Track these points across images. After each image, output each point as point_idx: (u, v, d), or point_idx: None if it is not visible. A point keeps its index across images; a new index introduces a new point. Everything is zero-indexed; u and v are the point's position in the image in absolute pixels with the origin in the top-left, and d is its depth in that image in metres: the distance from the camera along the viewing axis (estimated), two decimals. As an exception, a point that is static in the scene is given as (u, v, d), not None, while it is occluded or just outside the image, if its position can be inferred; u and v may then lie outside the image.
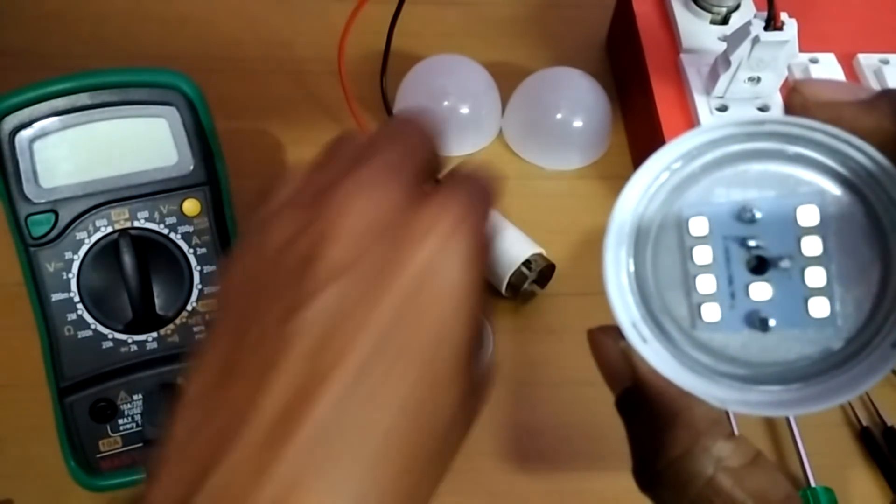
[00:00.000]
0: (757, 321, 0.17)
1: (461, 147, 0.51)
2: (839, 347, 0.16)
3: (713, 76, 0.44)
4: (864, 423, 0.40)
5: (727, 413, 0.17)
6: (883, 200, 0.16)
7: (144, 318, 0.35)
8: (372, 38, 0.50)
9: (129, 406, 0.35)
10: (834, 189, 0.16)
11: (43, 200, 0.34)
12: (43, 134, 0.34)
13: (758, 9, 0.49)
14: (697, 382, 0.17)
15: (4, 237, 0.35)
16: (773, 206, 0.16)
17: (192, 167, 0.36)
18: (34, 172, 0.34)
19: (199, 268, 0.36)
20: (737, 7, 0.49)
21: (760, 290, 0.17)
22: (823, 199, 0.16)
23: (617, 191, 0.17)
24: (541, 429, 0.40)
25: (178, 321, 0.36)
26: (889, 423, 0.40)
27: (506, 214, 0.45)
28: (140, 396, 0.35)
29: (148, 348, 0.36)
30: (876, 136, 0.15)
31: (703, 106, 0.44)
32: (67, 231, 0.35)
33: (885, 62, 0.46)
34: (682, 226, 0.17)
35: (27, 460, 0.39)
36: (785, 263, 0.16)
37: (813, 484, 0.38)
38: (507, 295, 0.44)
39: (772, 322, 0.17)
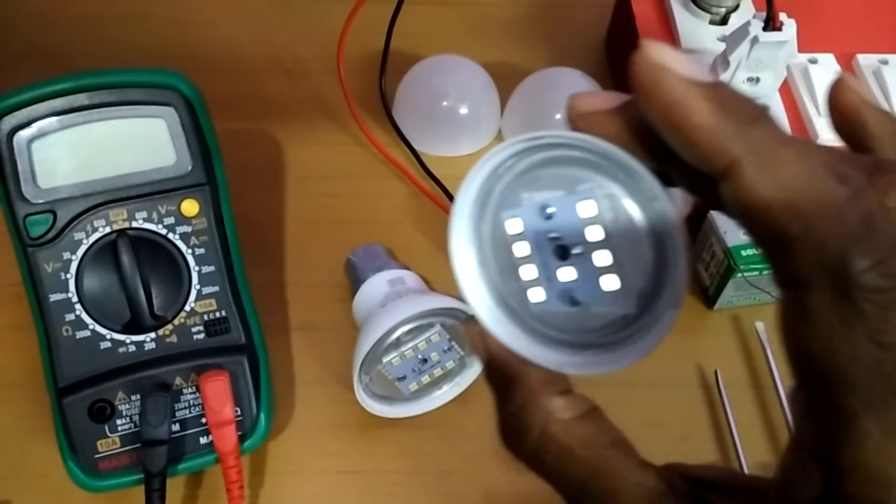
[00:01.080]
0: (568, 298, 0.20)
1: (460, 147, 0.51)
2: (635, 313, 0.20)
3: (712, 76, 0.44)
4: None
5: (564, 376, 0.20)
6: (643, 188, 0.19)
7: (142, 319, 0.35)
8: (371, 38, 0.50)
9: (127, 406, 0.35)
10: (606, 183, 0.19)
11: (41, 201, 0.34)
12: (41, 134, 0.34)
13: (757, 9, 0.49)
14: (538, 350, 0.20)
15: (2, 237, 0.35)
16: (562, 203, 0.19)
17: (190, 167, 0.36)
18: (32, 173, 0.34)
19: (197, 268, 0.36)
20: (736, 7, 0.48)
21: (567, 273, 0.20)
22: (596, 193, 0.19)
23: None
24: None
25: (176, 322, 0.36)
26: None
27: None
28: (138, 397, 0.35)
29: (146, 349, 0.36)
30: (621, 138, 0.18)
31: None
32: (66, 231, 0.35)
33: (885, 62, 0.46)
34: (502, 226, 0.20)
35: (25, 461, 0.39)
36: (577, 249, 0.19)
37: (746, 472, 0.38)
38: (506, 295, 0.44)
39: (579, 298, 0.20)
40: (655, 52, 0.17)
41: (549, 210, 0.19)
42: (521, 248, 0.20)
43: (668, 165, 0.18)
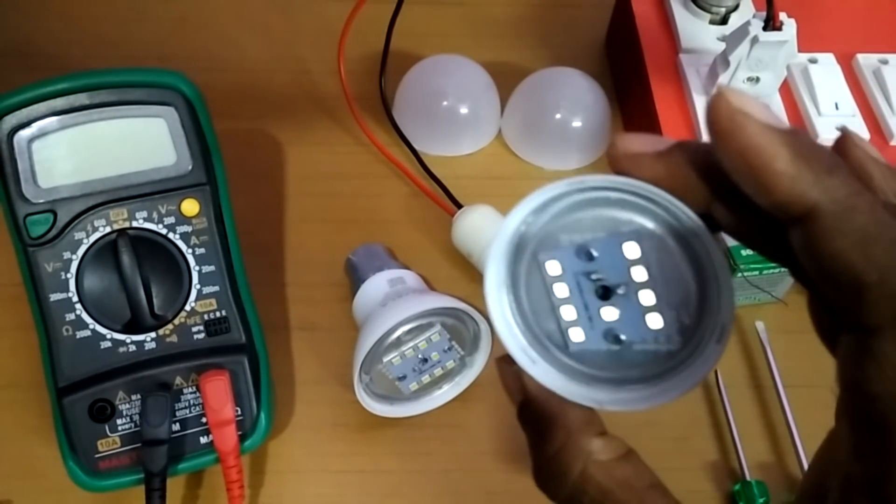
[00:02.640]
0: (612, 337, 0.20)
1: (460, 147, 0.51)
2: (677, 349, 0.20)
3: (712, 76, 0.44)
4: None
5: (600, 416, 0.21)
6: (687, 229, 0.19)
7: (143, 319, 0.35)
8: (371, 38, 0.50)
9: (127, 406, 0.35)
10: (648, 224, 0.20)
11: (41, 200, 0.34)
12: (41, 134, 0.34)
13: (757, 9, 0.49)
14: (578, 389, 0.20)
15: (3, 237, 0.35)
16: (605, 244, 0.20)
17: (190, 167, 0.36)
18: (32, 172, 0.34)
19: (197, 268, 0.36)
20: (736, 7, 0.48)
21: (609, 313, 0.20)
22: (641, 235, 0.20)
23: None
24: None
25: (176, 321, 0.36)
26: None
27: (506, 215, 0.45)
28: (138, 396, 0.35)
29: (146, 348, 0.36)
30: (667, 181, 0.19)
31: (701, 106, 0.44)
32: (66, 231, 0.35)
33: (885, 62, 0.46)
34: (541, 268, 0.20)
35: (26, 460, 0.39)
36: (621, 290, 0.20)
37: (747, 478, 0.39)
38: (507, 295, 0.44)
39: (623, 337, 0.20)
40: (735, 97, 0.17)
41: (591, 251, 0.20)
42: (561, 290, 0.20)
43: (717, 208, 0.19)
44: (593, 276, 0.20)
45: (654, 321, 0.20)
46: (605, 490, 0.19)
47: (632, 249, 0.20)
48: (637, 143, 0.19)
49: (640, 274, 0.20)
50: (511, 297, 0.21)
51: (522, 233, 0.20)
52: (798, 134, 0.17)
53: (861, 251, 0.16)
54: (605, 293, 0.20)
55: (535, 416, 0.20)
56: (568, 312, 0.20)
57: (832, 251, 0.16)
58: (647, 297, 0.20)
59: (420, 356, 0.39)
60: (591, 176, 0.20)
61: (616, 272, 0.20)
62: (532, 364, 0.20)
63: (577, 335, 0.20)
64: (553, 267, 0.20)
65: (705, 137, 0.44)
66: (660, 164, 0.19)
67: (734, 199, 0.18)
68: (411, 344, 0.38)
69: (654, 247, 0.20)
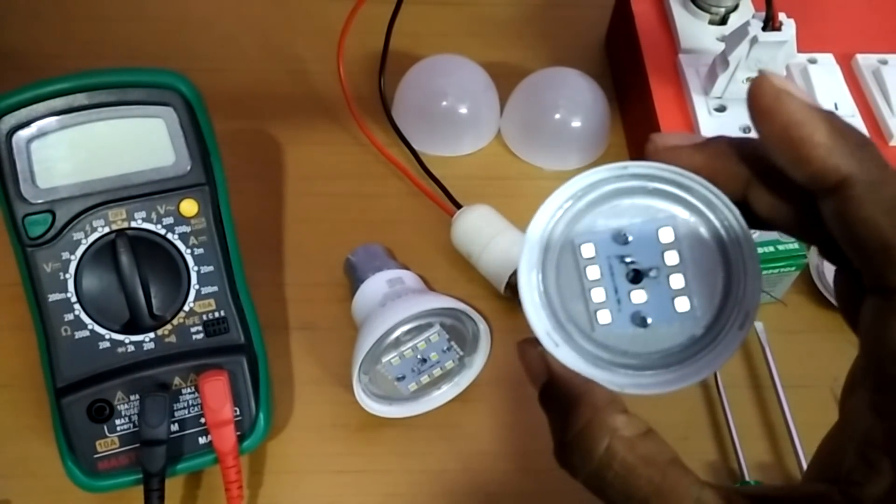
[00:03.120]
0: (639, 320, 0.21)
1: (459, 147, 0.51)
2: (701, 334, 0.21)
3: (711, 76, 0.44)
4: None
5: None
6: (720, 218, 0.21)
7: (141, 319, 0.35)
8: (370, 38, 0.50)
9: (126, 406, 0.35)
10: (683, 213, 0.21)
11: (40, 201, 0.34)
12: (40, 134, 0.34)
13: (756, 9, 0.49)
14: (599, 373, 0.21)
15: (1, 237, 0.35)
16: (640, 229, 0.21)
17: (189, 167, 0.36)
18: (31, 172, 0.34)
19: (196, 268, 0.36)
20: (735, 7, 0.48)
21: (638, 296, 0.21)
22: (676, 221, 0.21)
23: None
24: (541, 429, 0.40)
25: (175, 322, 0.36)
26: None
27: (505, 215, 0.45)
28: (137, 397, 0.35)
29: (145, 349, 0.36)
30: (705, 170, 0.20)
31: (701, 106, 0.44)
32: (64, 231, 0.35)
33: (884, 62, 0.46)
34: (575, 251, 0.21)
35: (24, 461, 0.39)
36: (653, 273, 0.21)
37: (746, 478, 0.39)
38: (507, 295, 0.44)
39: (649, 320, 0.21)
40: (777, 79, 0.19)
41: (626, 236, 0.21)
42: (593, 272, 0.21)
43: (752, 192, 0.20)
44: (627, 259, 0.21)
45: (682, 304, 0.21)
46: (629, 465, 0.20)
47: (666, 234, 0.21)
48: (674, 138, 0.21)
49: (672, 258, 0.21)
50: (541, 279, 0.21)
51: (560, 217, 0.21)
52: (833, 114, 0.18)
53: (890, 217, 0.17)
54: (636, 276, 0.21)
55: (560, 394, 0.21)
56: (598, 294, 0.21)
57: (864, 217, 0.18)
58: (677, 281, 0.21)
59: (419, 356, 0.39)
60: (633, 162, 0.21)
61: (649, 256, 0.21)
62: (555, 347, 0.21)
63: (604, 317, 0.21)
64: (588, 250, 0.21)
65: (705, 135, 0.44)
66: (698, 153, 0.21)
67: (770, 180, 0.20)
68: (410, 344, 0.38)
69: (688, 233, 0.21)
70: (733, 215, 0.20)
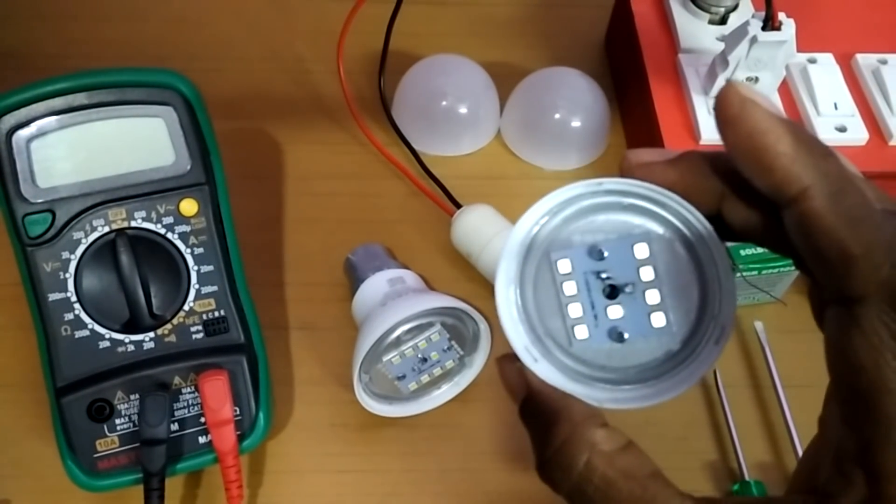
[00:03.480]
0: (615, 335, 0.21)
1: (459, 147, 0.51)
2: (677, 349, 0.21)
3: (711, 76, 0.44)
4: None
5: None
6: (694, 233, 0.21)
7: (141, 318, 0.35)
8: (370, 37, 0.50)
9: (126, 406, 0.35)
10: (658, 229, 0.21)
11: (40, 200, 0.34)
12: (40, 133, 0.34)
13: (756, 9, 0.49)
14: (578, 387, 0.21)
15: (1, 237, 0.35)
16: (616, 245, 0.21)
17: (189, 167, 0.36)
18: (31, 172, 0.34)
19: (196, 268, 0.36)
20: (735, 7, 0.49)
21: (615, 311, 0.21)
22: (651, 237, 0.21)
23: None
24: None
25: (175, 321, 0.36)
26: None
27: (505, 214, 0.45)
28: (137, 396, 0.35)
29: (145, 348, 0.36)
30: (679, 185, 0.21)
31: (701, 106, 0.44)
32: (64, 231, 0.35)
33: (884, 62, 0.46)
34: (552, 266, 0.21)
35: (24, 460, 0.39)
36: (629, 289, 0.21)
37: (746, 477, 0.39)
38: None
39: (626, 335, 0.21)
40: (744, 88, 0.19)
41: (601, 252, 0.21)
42: (570, 287, 0.21)
43: (726, 206, 0.21)
44: (603, 275, 0.21)
45: (658, 320, 0.21)
46: (609, 479, 0.20)
47: (641, 250, 0.21)
48: (647, 154, 0.21)
49: (647, 273, 0.21)
50: (518, 294, 0.21)
51: (536, 233, 0.21)
52: (797, 124, 0.19)
53: (849, 228, 0.18)
54: (613, 292, 0.21)
55: (539, 410, 0.21)
56: (575, 310, 0.21)
57: (824, 227, 0.18)
58: (652, 297, 0.21)
59: (419, 356, 0.39)
60: (607, 178, 0.21)
61: (625, 271, 0.21)
62: (534, 362, 0.21)
63: (581, 332, 0.21)
64: (564, 265, 0.21)
65: (704, 137, 0.44)
66: (671, 169, 0.21)
67: (743, 193, 0.20)
68: (411, 343, 0.38)
69: (663, 248, 0.21)
70: (707, 231, 0.21)
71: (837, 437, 0.19)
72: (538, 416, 0.21)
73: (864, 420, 0.18)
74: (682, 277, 0.21)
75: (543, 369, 0.21)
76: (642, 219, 0.21)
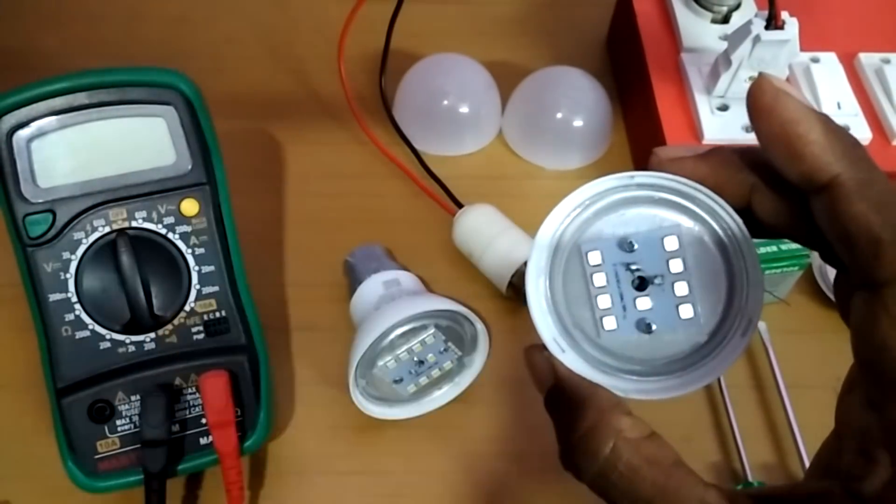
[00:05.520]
0: (643, 326, 0.22)
1: (461, 147, 0.51)
2: (704, 341, 0.21)
3: (714, 75, 0.44)
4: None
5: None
6: (723, 227, 0.21)
7: (142, 319, 0.35)
8: (371, 37, 0.50)
9: (126, 407, 0.35)
10: (688, 222, 0.21)
11: (40, 200, 0.34)
12: (40, 133, 0.34)
13: (759, 8, 0.49)
14: (604, 378, 0.21)
15: (2, 237, 0.35)
16: (646, 238, 0.21)
17: (190, 167, 0.36)
18: (32, 172, 0.34)
19: (197, 268, 0.36)
20: (738, 6, 0.48)
21: (643, 302, 0.22)
22: (680, 230, 0.21)
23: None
24: (541, 429, 0.40)
25: (176, 322, 0.36)
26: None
27: (507, 214, 0.45)
28: (138, 397, 0.35)
29: (146, 349, 0.36)
30: (709, 179, 0.21)
31: (703, 105, 0.44)
32: (65, 231, 0.35)
33: (887, 61, 0.46)
34: (582, 258, 0.22)
35: (24, 461, 0.39)
36: (658, 280, 0.21)
37: (750, 478, 0.39)
38: (508, 295, 0.44)
39: (654, 326, 0.21)
40: (777, 80, 0.19)
41: (632, 244, 0.21)
42: (600, 279, 0.22)
43: (756, 198, 0.21)
44: (632, 267, 0.22)
45: (686, 311, 0.21)
46: (634, 466, 0.20)
47: (671, 243, 0.21)
48: (677, 150, 0.22)
49: (676, 265, 0.21)
50: (548, 285, 0.22)
51: (567, 225, 0.22)
52: (827, 116, 0.19)
53: (878, 213, 0.18)
54: (642, 283, 0.22)
55: (566, 398, 0.21)
56: (604, 301, 0.22)
57: (853, 213, 0.18)
58: (681, 288, 0.21)
59: (415, 358, 0.38)
60: (639, 172, 0.21)
61: (654, 263, 0.21)
62: (562, 352, 0.22)
63: (610, 323, 0.22)
64: (594, 257, 0.22)
65: (707, 136, 0.44)
66: (702, 163, 0.21)
67: (773, 186, 0.20)
68: (405, 347, 0.38)
69: (692, 241, 0.21)
70: (736, 224, 0.21)
71: (862, 421, 0.20)
72: (564, 404, 0.21)
73: (889, 402, 0.18)
74: (710, 270, 0.21)
75: (571, 359, 0.21)
76: (672, 212, 0.21)
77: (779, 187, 0.20)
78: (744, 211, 0.21)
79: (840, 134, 0.19)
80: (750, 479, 0.38)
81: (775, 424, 0.41)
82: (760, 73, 0.20)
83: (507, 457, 0.40)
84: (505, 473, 0.40)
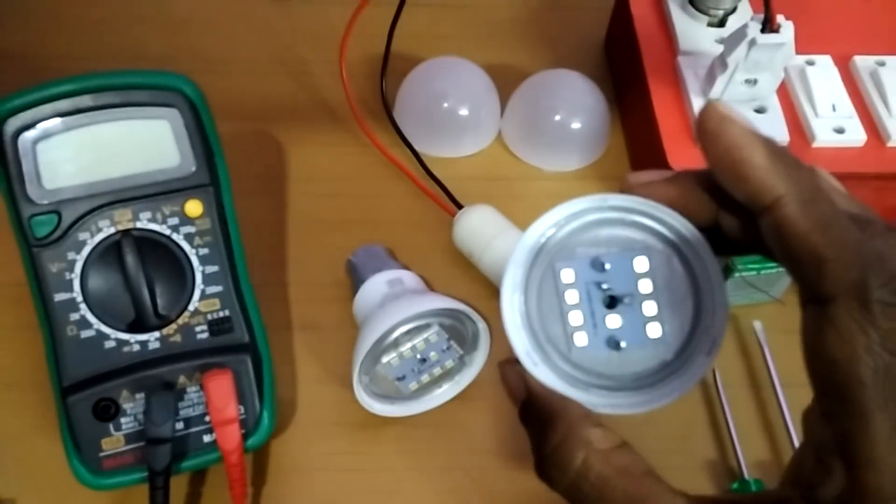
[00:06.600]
0: (613, 343, 0.22)
1: (461, 148, 0.51)
2: (671, 359, 0.22)
3: (710, 78, 0.44)
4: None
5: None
6: (691, 250, 0.22)
7: (147, 319, 0.36)
8: (372, 40, 0.51)
9: (131, 405, 0.36)
10: (657, 244, 0.22)
11: (46, 201, 0.35)
12: (46, 135, 0.34)
13: (755, 11, 0.49)
14: (575, 392, 0.22)
15: (7, 238, 0.35)
16: (617, 258, 0.22)
17: (194, 168, 0.36)
18: (37, 174, 0.34)
19: (201, 268, 0.36)
20: (734, 9, 0.49)
21: (613, 320, 0.22)
22: (650, 252, 0.22)
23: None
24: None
25: (180, 321, 0.36)
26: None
27: (506, 215, 0.45)
28: (142, 396, 0.36)
29: (150, 348, 0.36)
30: (678, 202, 0.22)
31: (700, 108, 0.45)
32: (70, 232, 0.35)
33: (882, 64, 0.47)
34: (556, 276, 0.22)
35: (30, 460, 0.39)
36: (628, 300, 0.22)
37: (746, 476, 0.39)
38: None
39: (623, 343, 0.22)
40: (722, 106, 0.21)
41: (603, 264, 0.22)
42: (572, 296, 0.22)
43: (723, 217, 0.22)
44: (603, 286, 0.22)
45: (654, 330, 0.22)
46: (604, 477, 0.21)
47: (641, 263, 0.22)
48: (646, 175, 0.23)
49: (646, 286, 0.22)
50: (522, 300, 0.22)
51: (543, 243, 0.23)
52: (771, 139, 0.20)
53: (820, 232, 0.19)
54: (612, 302, 0.22)
55: (538, 411, 0.22)
56: (575, 318, 0.22)
57: (797, 232, 0.19)
58: (649, 308, 0.22)
59: (418, 356, 0.39)
60: (612, 194, 0.22)
61: (624, 283, 0.22)
62: (534, 366, 0.22)
63: (581, 339, 0.22)
64: (567, 275, 0.22)
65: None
66: (670, 186, 0.22)
67: (729, 206, 0.21)
68: (409, 344, 0.38)
69: (661, 263, 0.22)
70: (703, 247, 0.22)
71: (817, 432, 0.20)
72: (537, 416, 0.22)
73: (839, 412, 0.19)
74: (678, 291, 0.22)
75: (543, 373, 0.22)
76: (643, 234, 0.22)
77: (738, 207, 0.21)
78: (713, 229, 0.22)
79: (783, 156, 0.20)
80: (746, 476, 0.39)
81: (771, 423, 0.41)
82: (708, 100, 0.21)
83: (509, 454, 0.40)
84: (505, 471, 0.40)
